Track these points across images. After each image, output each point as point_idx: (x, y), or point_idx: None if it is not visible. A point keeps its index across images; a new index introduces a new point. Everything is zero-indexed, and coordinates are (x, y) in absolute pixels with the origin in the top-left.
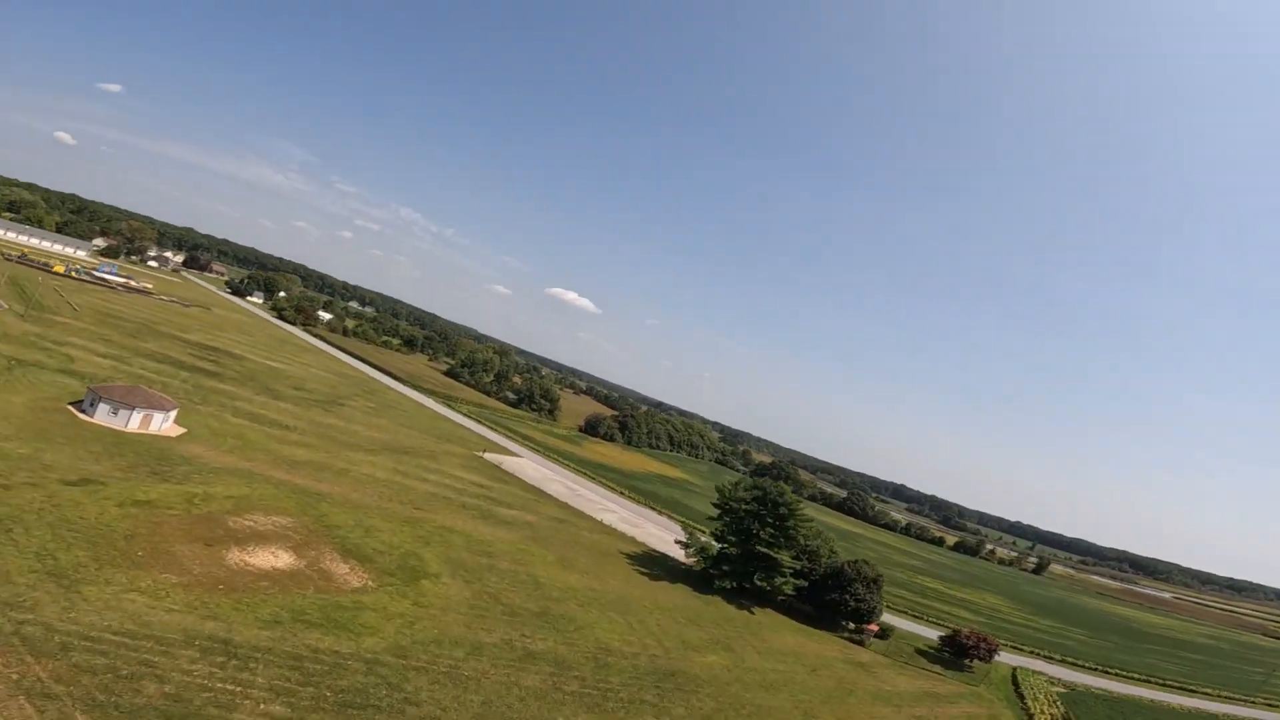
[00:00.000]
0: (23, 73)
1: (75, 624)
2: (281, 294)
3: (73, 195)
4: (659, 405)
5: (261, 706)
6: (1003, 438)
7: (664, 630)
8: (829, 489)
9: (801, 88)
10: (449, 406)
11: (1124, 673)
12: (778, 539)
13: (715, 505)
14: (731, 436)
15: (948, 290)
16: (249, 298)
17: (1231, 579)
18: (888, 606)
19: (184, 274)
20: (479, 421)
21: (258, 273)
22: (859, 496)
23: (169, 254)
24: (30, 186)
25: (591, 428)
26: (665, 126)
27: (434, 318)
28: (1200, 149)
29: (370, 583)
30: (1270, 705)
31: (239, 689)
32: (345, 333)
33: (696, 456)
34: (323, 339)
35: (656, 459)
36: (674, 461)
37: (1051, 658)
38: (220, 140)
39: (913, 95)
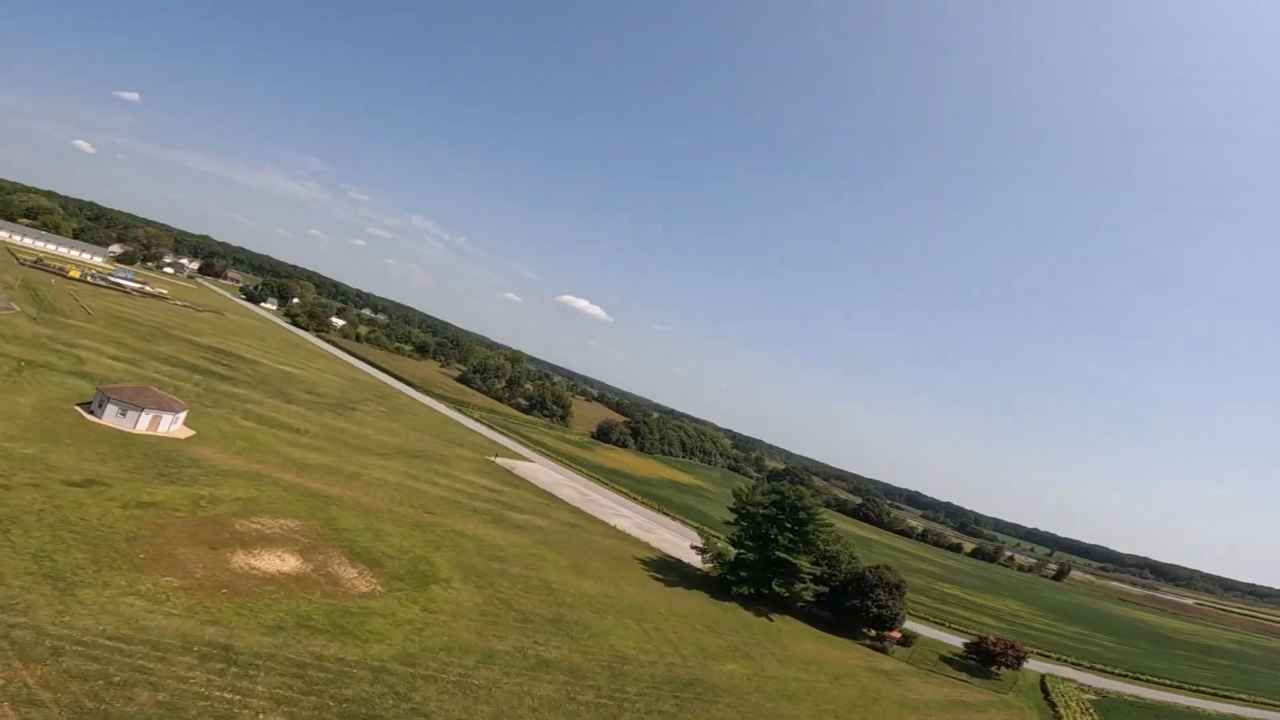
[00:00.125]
0: (42, 81)
1: (68, 628)
2: (295, 300)
3: (91, 203)
4: (670, 412)
5: (261, 717)
6: (1019, 445)
7: (681, 638)
8: (842, 495)
9: (813, 94)
10: (461, 412)
11: (1155, 679)
12: (797, 544)
13: (732, 510)
14: (743, 443)
15: (963, 297)
16: (263, 304)
17: (1253, 585)
18: (908, 613)
19: (199, 280)
20: (491, 427)
21: (272, 279)
22: (874, 503)
23: (185, 260)
24: (49, 194)
25: (604, 434)
26: (675, 131)
27: (446, 325)
28: (1215, 151)
29: (379, 587)
30: None
31: (237, 698)
32: (358, 339)
33: (709, 463)
34: (335, 344)
35: (669, 465)
36: (687, 468)
37: (1079, 664)
38: (236, 148)
39: (916, 99)
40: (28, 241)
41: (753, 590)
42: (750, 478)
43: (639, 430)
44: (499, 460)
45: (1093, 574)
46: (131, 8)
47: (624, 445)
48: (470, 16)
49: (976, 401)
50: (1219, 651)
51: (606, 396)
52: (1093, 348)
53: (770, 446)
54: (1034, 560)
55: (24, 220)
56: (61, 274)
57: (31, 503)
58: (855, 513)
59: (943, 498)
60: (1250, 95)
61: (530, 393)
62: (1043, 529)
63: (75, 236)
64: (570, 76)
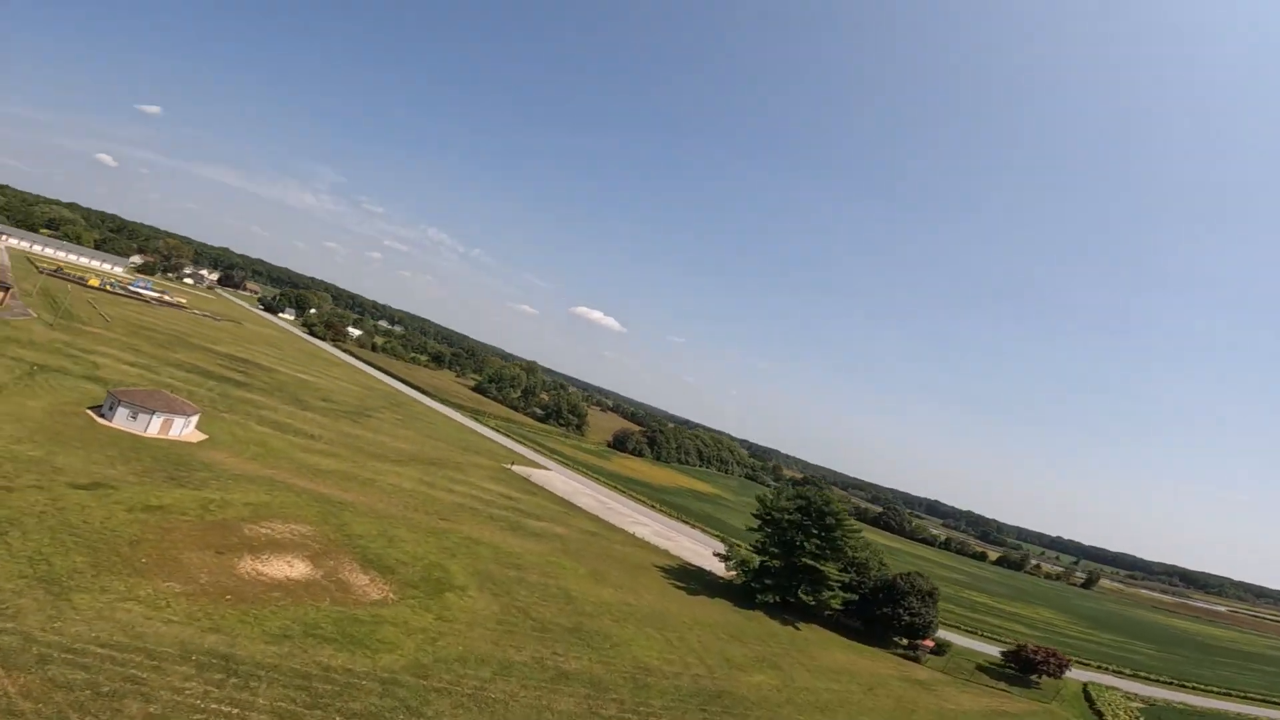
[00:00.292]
0: (67, 96)
1: (59, 634)
2: (312, 310)
3: (113, 215)
4: (684, 422)
5: None
6: (1041, 453)
7: (705, 648)
8: (862, 504)
9: (824, 100)
10: (476, 420)
11: (1201, 686)
12: (824, 551)
13: (756, 516)
14: (759, 453)
15: (982, 303)
16: (281, 314)
17: None
18: (939, 622)
19: (218, 291)
20: (507, 435)
21: (289, 290)
22: (894, 511)
23: (204, 272)
24: (71, 206)
25: (620, 443)
26: (688, 139)
27: (462, 337)
28: (1215, 151)
29: (391, 595)
30: None
31: (235, 710)
32: (374, 348)
33: (726, 472)
34: (352, 354)
35: (687, 474)
36: (704, 477)
37: (1121, 672)
38: (255, 160)
39: (924, 102)
40: (49, 251)
41: (778, 598)
42: (769, 486)
43: (655, 439)
44: (515, 468)
45: (1121, 582)
46: (155, 23)
47: (640, 454)
48: (479, 26)
49: (997, 409)
50: (1261, 658)
51: (621, 407)
52: (1093, 348)
53: (786, 456)
54: (1060, 568)
55: (45, 230)
56: (81, 282)
57: (33, 505)
58: (876, 521)
59: (963, 506)
60: (1250, 95)
61: (546, 402)
62: (1067, 537)
63: (97, 247)
64: (582, 87)
